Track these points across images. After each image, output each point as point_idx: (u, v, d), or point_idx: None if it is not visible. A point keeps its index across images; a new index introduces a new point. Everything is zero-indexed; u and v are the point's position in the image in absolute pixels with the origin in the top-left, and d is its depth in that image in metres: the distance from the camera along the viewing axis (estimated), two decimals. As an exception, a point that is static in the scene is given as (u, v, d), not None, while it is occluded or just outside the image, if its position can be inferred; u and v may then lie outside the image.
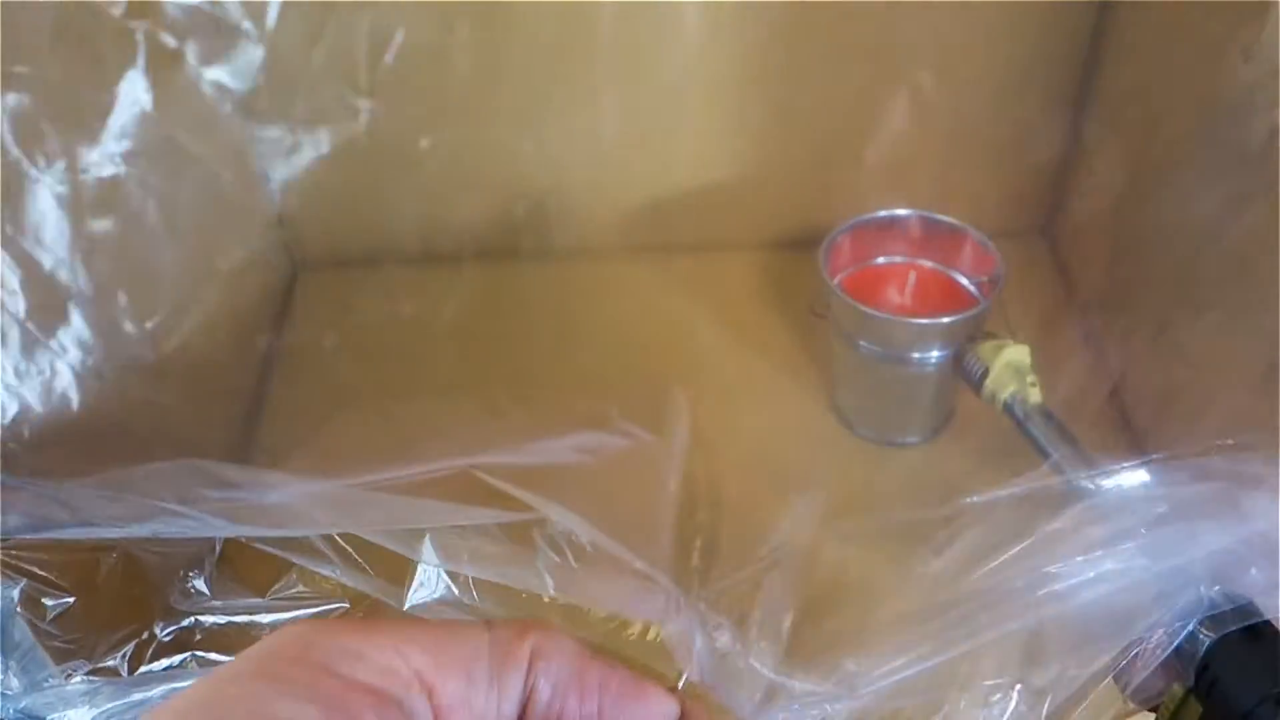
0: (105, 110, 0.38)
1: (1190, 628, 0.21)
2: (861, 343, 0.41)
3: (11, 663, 0.29)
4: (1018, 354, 0.35)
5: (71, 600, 0.30)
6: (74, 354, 0.34)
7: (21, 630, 0.29)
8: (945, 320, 0.40)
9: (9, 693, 0.29)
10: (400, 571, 0.30)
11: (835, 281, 0.42)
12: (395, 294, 0.51)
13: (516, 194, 0.50)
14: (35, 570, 0.29)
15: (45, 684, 0.29)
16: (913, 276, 0.43)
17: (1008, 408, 0.35)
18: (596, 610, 0.28)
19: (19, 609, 0.29)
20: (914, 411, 0.44)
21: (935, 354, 0.41)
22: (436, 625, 0.20)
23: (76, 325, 0.34)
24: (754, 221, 0.52)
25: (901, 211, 0.44)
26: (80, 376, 0.34)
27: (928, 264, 0.43)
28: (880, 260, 0.44)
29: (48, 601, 0.29)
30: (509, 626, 0.20)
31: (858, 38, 0.46)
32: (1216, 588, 0.21)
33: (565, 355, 0.48)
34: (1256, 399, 0.35)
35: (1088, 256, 0.49)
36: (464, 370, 0.47)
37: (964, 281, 0.43)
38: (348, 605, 0.32)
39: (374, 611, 0.31)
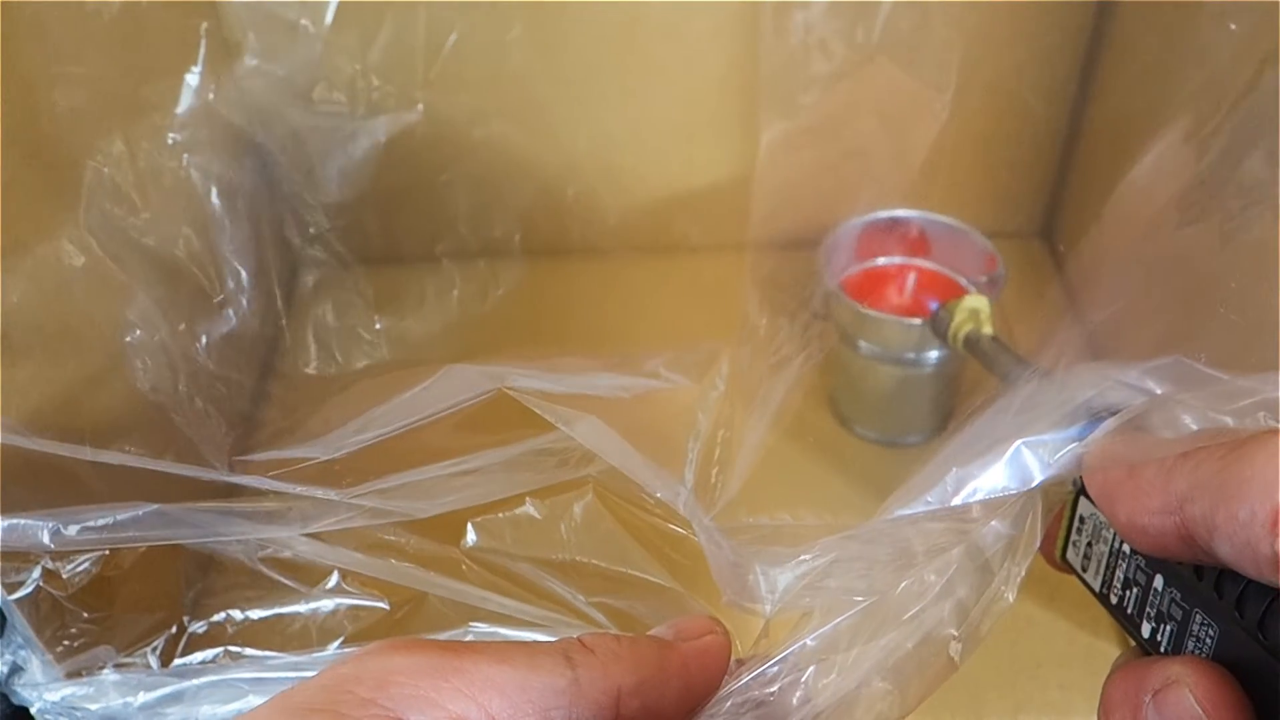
0: (169, 102, 0.40)
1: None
2: (861, 343, 0.42)
3: (33, 654, 0.29)
4: (976, 302, 0.39)
5: (93, 567, 0.30)
6: (139, 334, 0.35)
7: (28, 625, 0.29)
8: (945, 320, 0.41)
9: (39, 683, 0.29)
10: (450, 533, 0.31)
11: (835, 282, 0.43)
12: (444, 281, 0.52)
13: (566, 183, 0.52)
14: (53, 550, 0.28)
15: (58, 682, 0.30)
16: (913, 277, 0.44)
17: (966, 342, 0.39)
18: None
19: (41, 584, 0.29)
20: (914, 411, 0.44)
21: (935, 354, 0.41)
22: (517, 660, 0.19)
23: (142, 305, 0.35)
24: (754, 221, 0.52)
25: (901, 212, 0.44)
26: (144, 358, 0.35)
27: (928, 264, 0.44)
28: (880, 260, 0.45)
29: (66, 574, 0.29)
30: (591, 668, 0.19)
31: (859, 38, 0.46)
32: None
33: (584, 335, 0.50)
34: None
35: (1087, 257, 0.49)
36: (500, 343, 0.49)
37: (964, 282, 0.44)
38: (387, 606, 0.32)
39: (418, 609, 0.31)
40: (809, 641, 0.21)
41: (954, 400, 0.45)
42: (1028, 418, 0.23)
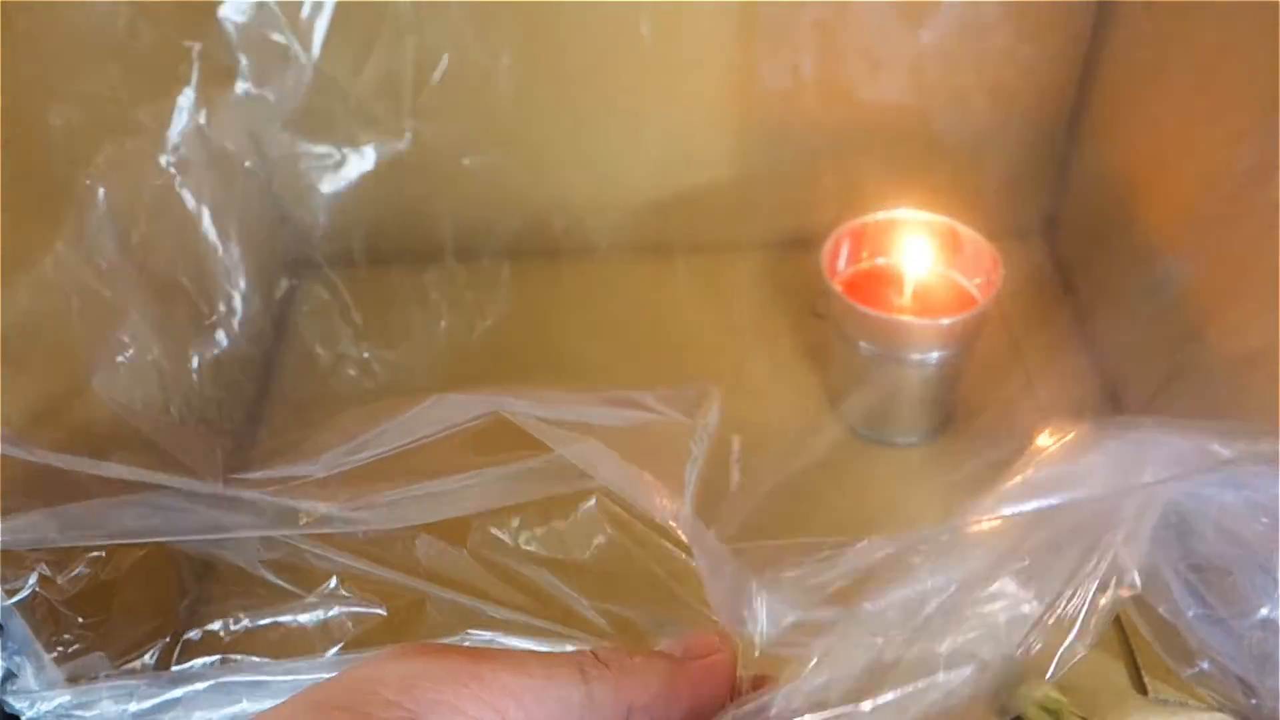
0: (162, 124, 0.40)
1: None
2: (861, 343, 0.42)
3: (28, 661, 0.29)
4: (1046, 692, 0.33)
5: (90, 570, 0.29)
6: (132, 353, 0.35)
7: (23, 632, 0.29)
8: (945, 321, 0.40)
9: (33, 691, 0.29)
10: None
11: (835, 282, 0.42)
12: (431, 312, 0.52)
13: (554, 209, 0.52)
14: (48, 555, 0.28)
15: (53, 689, 0.29)
16: (912, 277, 0.44)
17: None
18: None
19: (38, 589, 0.28)
20: (914, 411, 0.44)
21: (935, 354, 0.41)
22: (534, 670, 0.20)
23: (135, 325, 0.36)
24: (754, 221, 0.53)
25: (901, 211, 0.44)
26: (137, 377, 0.35)
27: (928, 264, 0.44)
28: (880, 260, 0.45)
29: (63, 580, 0.29)
30: (604, 683, 0.20)
31: (861, 38, 0.46)
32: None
33: (575, 356, 0.49)
34: (1255, 395, 0.36)
35: (1087, 257, 0.49)
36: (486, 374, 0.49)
37: (964, 282, 0.44)
38: (385, 613, 0.32)
39: (417, 615, 0.31)
40: (805, 688, 0.21)
41: (954, 400, 0.45)
42: None
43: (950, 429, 0.45)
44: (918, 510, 0.42)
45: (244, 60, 0.46)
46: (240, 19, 0.45)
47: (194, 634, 0.33)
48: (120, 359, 0.35)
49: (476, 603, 0.31)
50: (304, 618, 0.32)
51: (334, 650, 0.32)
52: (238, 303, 0.45)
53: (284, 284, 0.53)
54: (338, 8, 0.45)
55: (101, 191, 0.36)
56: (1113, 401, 0.45)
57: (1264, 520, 0.24)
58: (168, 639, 0.33)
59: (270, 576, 0.31)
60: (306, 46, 0.46)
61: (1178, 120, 0.41)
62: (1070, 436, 0.26)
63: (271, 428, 0.47)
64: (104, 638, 0.31)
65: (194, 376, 0.40)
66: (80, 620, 0.30)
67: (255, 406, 0.47)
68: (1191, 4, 0.39)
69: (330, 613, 0.32)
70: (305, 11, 0.45)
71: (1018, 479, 0.25)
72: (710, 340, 0.49)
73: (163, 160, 0.40)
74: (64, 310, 0.33)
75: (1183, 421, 0.25)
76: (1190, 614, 0.29)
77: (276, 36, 0.46)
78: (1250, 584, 0.27)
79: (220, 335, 0.43)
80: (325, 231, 0.52)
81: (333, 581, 0.32)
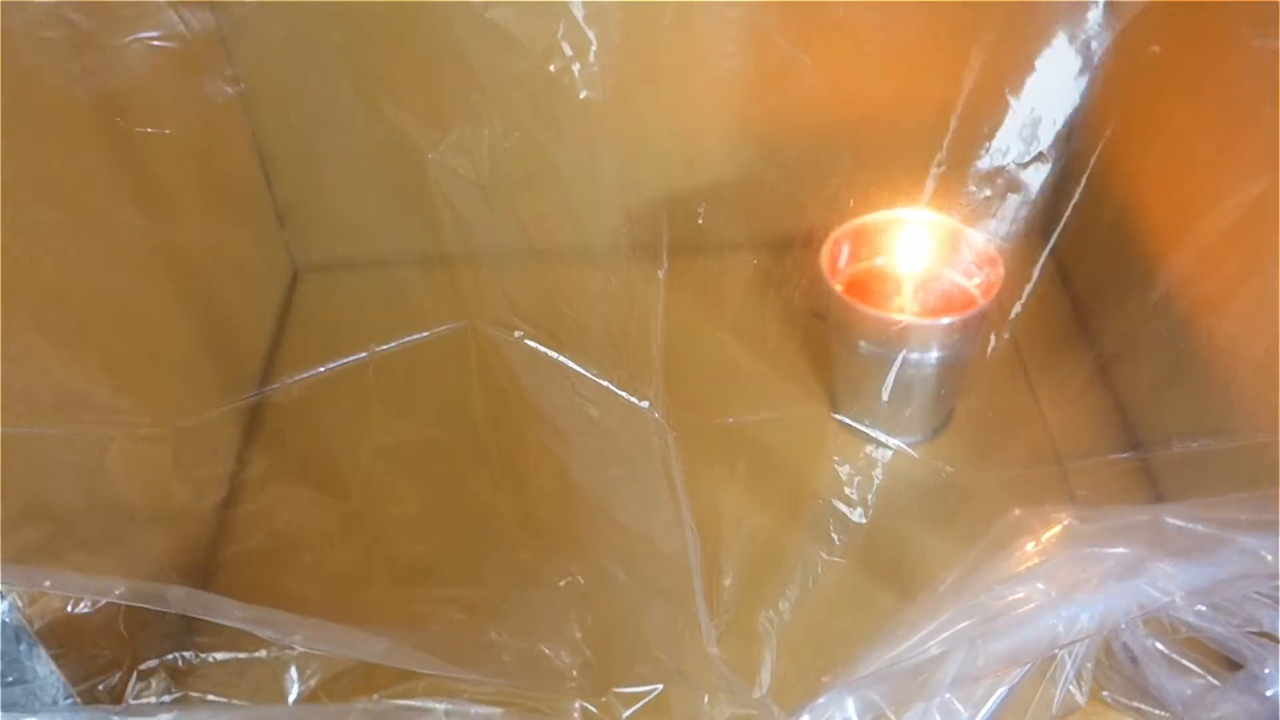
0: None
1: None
2: (861, 343, 0.42)
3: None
4: None
5: (59, 606, 0.29)
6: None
7: (26, 644, 0.29)
8: (944, 320, 0.40)
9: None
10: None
11: (835, 282, 0.42)
12: (394, 298, 0.51)
13: (525, 194, 0.52)
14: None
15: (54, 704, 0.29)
16: (912, 277, 0.43)
17: None
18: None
19: (6, 619, 0.28)
20: (914, 411, 0.44)
21: (934, 354, 0.41)
22: None
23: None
24: (754, 221, 0.52)
25: (901, 211, 0.44)
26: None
27: (928, 264, 0.44)
28: (880, 260, 0.44)
29: (33, 614, 0.29)
30: None
31: (859, 39, 0.46)
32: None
33: (575, 357, 0.48)
34: (1249, 384, 0.36)
35: (1087, 257, 0.49)
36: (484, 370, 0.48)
37: (964, 282, 0.43)
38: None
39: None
40: None
41: (954, 400, 0.45)
42: None
43: (950, 429, 0.45)
44: (919, 511, 0.42)
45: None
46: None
47: (152, 663, 0.32)
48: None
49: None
50: (268, 657, 0.32)
51: (294, 694, 0.32)
52: (193, 297, 0.43)
53: (241, 274, 0.50)
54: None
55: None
56: (1113, 399, 0.45)
57: None
58: (126, 669, 0.32)
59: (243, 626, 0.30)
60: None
61: (1181, 121, 0.40)
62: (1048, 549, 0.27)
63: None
64: (68, 668, 0.30)
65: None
66: (49, 651, 0.29)
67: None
68: (1193, 4, 0.39)
69: (296, 654, 0.32)
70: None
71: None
72: (710, 340, 0.49)
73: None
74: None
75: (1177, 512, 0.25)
76: None
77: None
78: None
79: (174, 332, 0.41)
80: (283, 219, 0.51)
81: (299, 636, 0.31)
